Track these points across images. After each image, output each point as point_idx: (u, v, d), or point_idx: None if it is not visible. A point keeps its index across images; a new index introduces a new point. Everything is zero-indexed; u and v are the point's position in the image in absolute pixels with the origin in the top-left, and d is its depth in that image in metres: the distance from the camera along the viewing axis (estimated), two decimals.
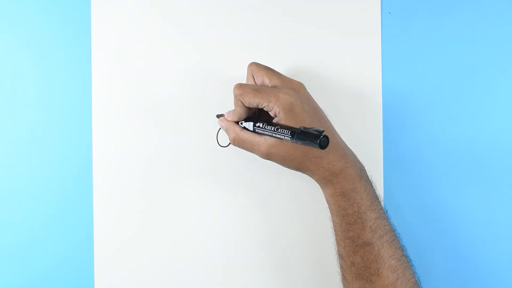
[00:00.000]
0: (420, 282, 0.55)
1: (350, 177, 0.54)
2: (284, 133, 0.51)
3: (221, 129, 0.61)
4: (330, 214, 0.57)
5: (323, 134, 0.47)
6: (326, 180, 0.55)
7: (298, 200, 0.63)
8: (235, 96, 0.55)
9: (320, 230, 0.62)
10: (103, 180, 0.62)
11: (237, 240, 0.63)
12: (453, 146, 0.63)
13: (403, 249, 0.55)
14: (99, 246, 0.62)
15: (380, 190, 0.62)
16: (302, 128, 0.49)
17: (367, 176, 0.56)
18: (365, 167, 0.57)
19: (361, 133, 0.60)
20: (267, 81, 0.56)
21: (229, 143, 0.62)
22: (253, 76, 0.57)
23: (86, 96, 0.61)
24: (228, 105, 0.61)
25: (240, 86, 0.55)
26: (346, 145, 0.57)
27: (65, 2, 0.62)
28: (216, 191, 0.62)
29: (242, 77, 0.59)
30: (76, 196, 0.62)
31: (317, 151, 0.54)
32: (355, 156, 0.57)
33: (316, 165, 0.55)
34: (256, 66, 0.57)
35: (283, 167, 0.56)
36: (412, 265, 0.55)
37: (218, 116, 0.60)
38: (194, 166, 0.62)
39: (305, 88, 0.56)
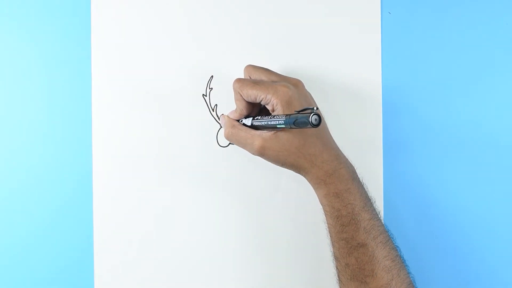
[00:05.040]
0: (415, 282, 0.55)
1: (343, 177, 0.54)
2: (278, 118, 0.51)
3: (221, 129, 0.61)
4: (324, 216, 0.57)
5: (315, 111, 0.48)
6: (319, 180, 0.55)
7: (297, 201, 0.63)
8: (234, 90, 0.56)
9: (318, 231, 0.62)
10: (103, 180, 0.62)
11: (236, 240, 0.63)
12: (452, 145, 0.63)
13: (397, 250, 0.55)
14: (99, 246, 0.62)
15: (380, 189, 0.62)
16: (296, 111, 0.49)
17: (359, 177, 0.56)
18: (365, 166, 0.57)
19: (361, 132, 0.60)
20: (265, 79, 0.56)
21: (229, 143, 0.62)
22: (250, 77, 0.57)
23: (86, 96, 0.62)
24: (229, 104, 0.61)
25: (239, 79, 0.55)
26: (338, 147, 0.57)
27: (65, 2, 0.62)
28: (216, 191, 0.62)
29: (241, 76, 0.59)
30: (76, 196, 0.62)
31: (311, 148, 0.54)
32: (346, 158, 0.57)
33: (311, 163, 0.55)
34: (252, 67, 0.57)
35: (282, 168, 0.56)
36: (406, 265, 0.55)
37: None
38: (194, 166, 0.62)
39: (303, 85, 0.57)
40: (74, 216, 0.62)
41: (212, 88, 0.61)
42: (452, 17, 0.63)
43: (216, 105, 0.62)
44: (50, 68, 0.62)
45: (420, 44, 0.63)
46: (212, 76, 0.62)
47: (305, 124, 0.48)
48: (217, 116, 0.62)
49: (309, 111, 0.48)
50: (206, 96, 0.61)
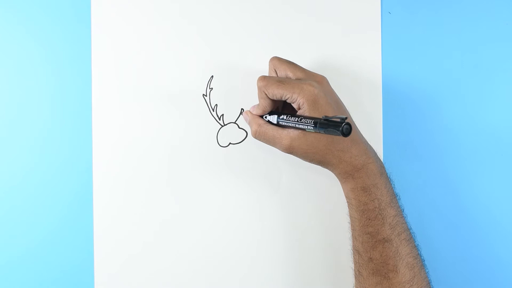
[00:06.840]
0: (431, 282, 0.55)
1: (372, 172, 0.55)
2: (307, 123, 0.51)
3: (221, 129, 0.61)
4: (348, 209, 0.57)
5: (345, 121, 0.48)
6: (347, 174, 0.55)
7: (297, 201, 0.63)
8: (259, 88, 0.55)
9: (318, 231, 0.62)
10: (103, 180, 0.62)
11: (237, 240, 0.63)
12: (452, 144, 0.63)
13: (417, 249, 0.55)
14: (99, 246, 0.62)
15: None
16: (324, 117, 0.49)
17: (387, 173, 0.57)
18: None
19: (361, 131, 0.60)
20: (290, 75, 0.56)
21: (229, 143, 0.62)
22: (275, 71, 0.57)
23: (86, 96, 0.61)
24: (229, 104, 0.61)
25: (264, 77, 0.55)
26: (366, 141, 0.57)
27: (65, 2, 0.62)
28: (216, 191, 0.62)
29: (241, 76, 0.60)
30: (76, 196, 0.62)
31: (339, 144, 0.54)
32: (375, 153, 0.57)
33: (339, 159, 0.55)
34: (278, 60, 0.57)
35: (282, 165, 0.56)
36: (425, 265, 0.55)
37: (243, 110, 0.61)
38: (194, 166, 0.62)
39: (327, 82, 0.57)
40: (74, 216, 0.62)
41: (212, 88, 0.61)
42: (452, 17, 0.63)
43: (216, 105, 0.62)
44: (50, 68, 0.62)
45: (420, 44, 0.63)
46: (212, 76, 0.62)
47: (335, 133, 0.48)
48: (217, 116, 0.62)
49: (339, 120, 0.48)
50: (206, 96, 0.61)
